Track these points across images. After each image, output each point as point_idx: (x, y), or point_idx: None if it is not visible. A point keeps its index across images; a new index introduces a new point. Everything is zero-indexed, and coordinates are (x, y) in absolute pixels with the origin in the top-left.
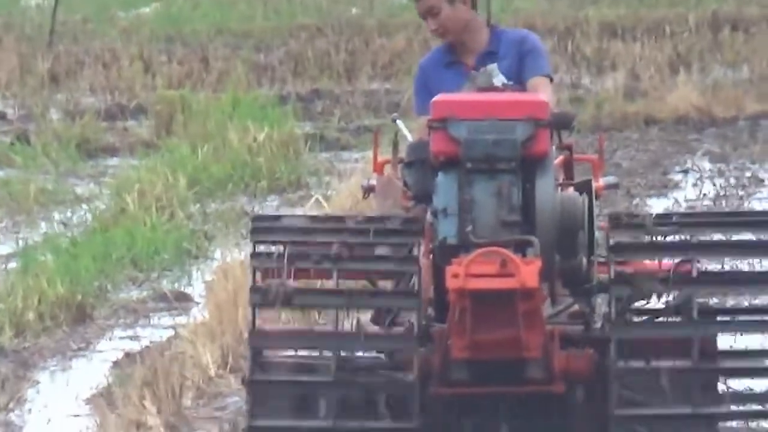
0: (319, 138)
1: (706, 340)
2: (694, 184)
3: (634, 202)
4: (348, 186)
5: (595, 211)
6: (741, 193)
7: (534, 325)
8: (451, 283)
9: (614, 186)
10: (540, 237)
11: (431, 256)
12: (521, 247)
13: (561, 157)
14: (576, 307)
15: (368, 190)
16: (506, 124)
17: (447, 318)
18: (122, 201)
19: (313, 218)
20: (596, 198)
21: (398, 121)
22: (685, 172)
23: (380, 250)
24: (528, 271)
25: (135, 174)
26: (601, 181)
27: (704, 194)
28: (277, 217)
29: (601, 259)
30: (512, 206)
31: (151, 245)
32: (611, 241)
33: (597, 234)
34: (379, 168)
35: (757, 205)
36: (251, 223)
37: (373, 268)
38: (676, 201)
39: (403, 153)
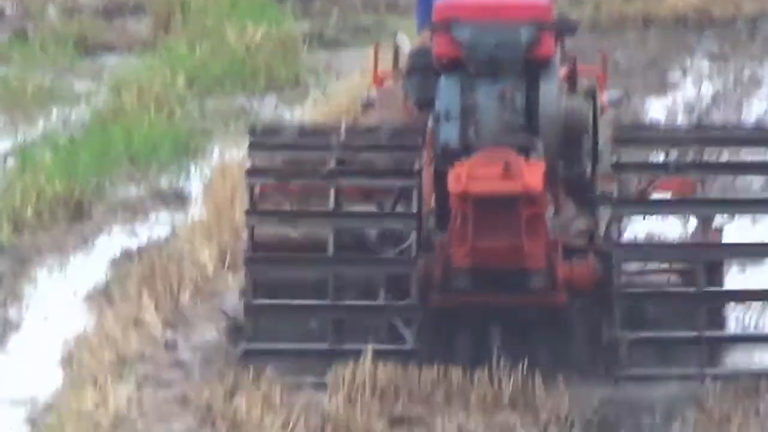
0: (318, 36)
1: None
2: (693, 84)
3: (633, 101)
4: (346, 84)
5: (599, 121)
6: (739, 92)
7: (537, 233)
8: (452, 187)
9: (618, 101)
10: (544, 142)
11: (432, 164)
12: (525, 151)
13: (565, 69)
14: (580, 220)
15: (367, 106)
16: (510, 26)
17: (448, 224)
18: (120, 99)
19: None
20: (600, 111)
21: (399, 35)
22: (684, 71)
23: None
24: (532, 175)
25: (133, 72)
26: (605, 97)
27: (703, 94)
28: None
29: (605, 171)
30: (515, 110)
31: (149, 143)
32: (615, 159)
33: (601, 144)
34: (378, 81)
35: (755, 105)
36: (249, 137)
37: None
38: (675, 101)
39: (404, 64)
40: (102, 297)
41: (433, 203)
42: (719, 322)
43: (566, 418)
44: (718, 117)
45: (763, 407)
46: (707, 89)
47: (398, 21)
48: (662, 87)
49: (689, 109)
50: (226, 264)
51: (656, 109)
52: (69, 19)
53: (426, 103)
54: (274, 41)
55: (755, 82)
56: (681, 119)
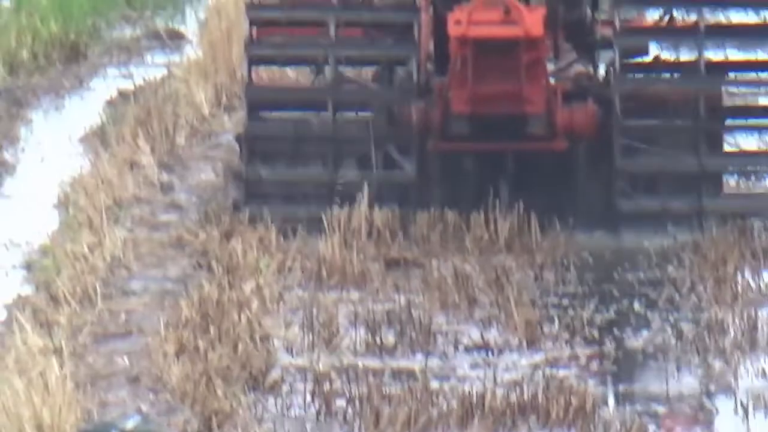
0: None
1: (712, 97)
2: None
3: None
4: None
5: None
6: None
7: (537, 78)
8: (453, 30)
9: None
10: None
11: (431, 7)
12: None
13: None
14: (579, 66)
15: None
16: None
17: (448, 70)
18: None
19: None
20: None
21: None
22: None
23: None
24: (532, 19)
25: None
26: None
27: None
28: None
29: (605, 17)
30: None
31: None
32: None
33: None
34: None
35: None
36: None
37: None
38: None
39: None
40: (98, 139)
41: (431, 48)
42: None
43: (562, 260)
44: None
45: (759, 248)
46: None
47: None
48: None
49: None
50: (222, 104)
51: None
52: None
53: None
54: None
55: None
56: None
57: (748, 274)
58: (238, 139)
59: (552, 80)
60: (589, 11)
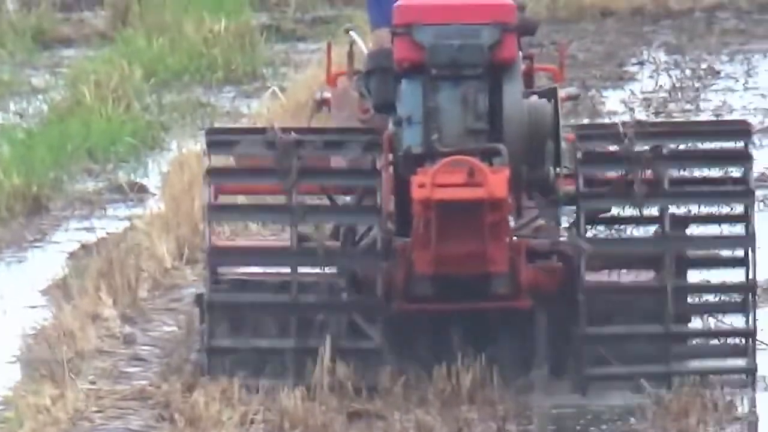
0: (275, 29)
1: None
2: (650, 76)
3: (590, 93)
4: (304, 77)
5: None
6: (697, 85)
7: (500, 238)
8: (416, 194)
9: (575, 97)
10: (508, 145)
11: (392, 168)
12: (488, 156)
13: (522, 67)
14: (541, 221)
15: (321, 104)
16: (472, 29)
17: (411, 232)
18: (78, 92)
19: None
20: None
21: (352, 33)
22: (641, 63)
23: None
24: (496, 181)
25: (91, 65)
26: (563, 92)
27: (660, 86)
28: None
29: (567, 172)
30: (479, 113)
31: (107, 137)
32: (579, 153)
33: (563, 144)
34: (332, 80)
35: (712, 97)
36: (206, 137)
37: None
38: (632, 93)
39: (358, 64)
40: (60, 291)
41: (392, 208)
42: (685, 321)
43: (524, 412)
44: (675, 109)
45: (721, 401)
46: (664, 81)
47: (355, 12)
48: (619, 79)
49: (646, 101)
50: (185, 257)
51: (613, 102)
52: (27, 12)
53: (386, 107)
54: (231, 34)
55: (712, 74)
56: (638, 112)
57: (711, 427)
58: (198, 299)
59: (515, 238)
60: (551, 169)
